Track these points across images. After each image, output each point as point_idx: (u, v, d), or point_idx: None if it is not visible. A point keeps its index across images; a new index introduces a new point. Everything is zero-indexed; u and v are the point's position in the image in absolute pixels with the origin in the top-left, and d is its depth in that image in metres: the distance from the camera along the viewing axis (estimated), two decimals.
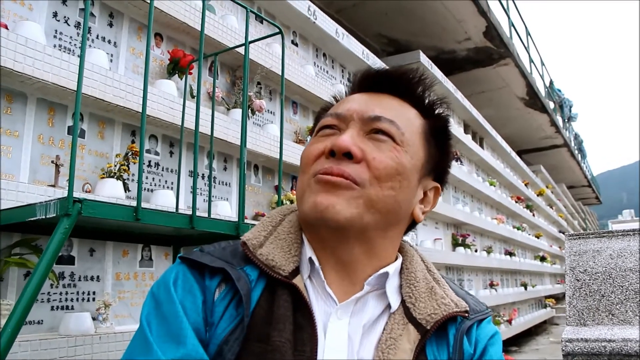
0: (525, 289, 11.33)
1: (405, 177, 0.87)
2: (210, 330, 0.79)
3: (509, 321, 9.17)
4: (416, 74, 0.96)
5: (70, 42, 2.68)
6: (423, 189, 0.94)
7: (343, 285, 0.86)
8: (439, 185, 0.97)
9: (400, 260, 0.92)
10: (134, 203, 1.65)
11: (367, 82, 0.97)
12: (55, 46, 2.58)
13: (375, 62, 5.68)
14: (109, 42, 2.91)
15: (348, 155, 0.84)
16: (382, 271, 0.86)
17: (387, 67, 0.98)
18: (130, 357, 0.77)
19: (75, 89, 1.54)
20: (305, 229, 0.90)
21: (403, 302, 0.86)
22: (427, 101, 0.96)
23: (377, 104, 0.91)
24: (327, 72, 5.11)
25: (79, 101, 1.52)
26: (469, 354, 0.85)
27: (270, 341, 0.76)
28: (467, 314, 0.86)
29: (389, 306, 0.86)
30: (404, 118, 0.91)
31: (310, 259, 0.86)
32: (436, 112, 0.97)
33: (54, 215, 1.51)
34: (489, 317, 0.92)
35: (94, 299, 2.56)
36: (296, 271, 0.84)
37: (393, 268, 0.88)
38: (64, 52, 2.46)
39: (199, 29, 1.99)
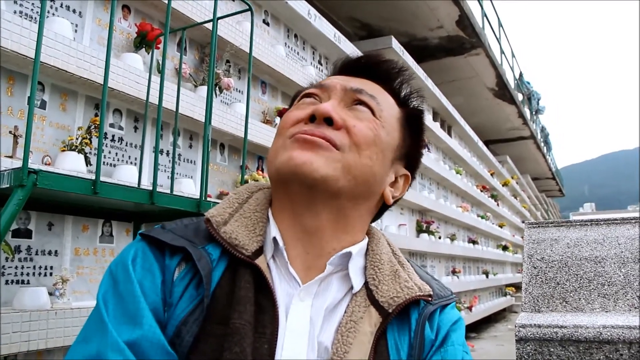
0: (487, 277, 11.55)
1: (381, 150, 0.88)
2: (168, 310, 0.77)
3: (470, 308, 9.35)
4: (396, 65, 0.97)
5: (32, 10, 2.60)
6: (395, 172, 0.94)
7: (307, 264, 0.84)
8: (409, 174, 0.98)
9: (365, 241, 0.91)
10: (94, 177, 1.61)
11: (349, 67, 0.97)
12: (15, 12, 2.49)
13: (347, 46, 5.66)
14: (74, 11, 2.83)
15: (328, 121, 0.84)
16: (345, 251, 0.85)
17: (370, 54, 0.98)
18: (84, 338, 0.75)
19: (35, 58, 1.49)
20: (276, 194, 0.88)
21: (366, 284, 0.85)
22: (404, 92, 0.98)
23: (359, 80, 0.93)
24: (297, 53, 5.07)
25: (37, 70, 1.47)
26: (430, 339, 0.84)
27: (230, 323, 0.74)
28: (430, 299, 0.86)
29: (352, 288, 0.85)
30: (384, 98, 0.93)
31: (274, 238, 0.84)
32: (410, 100, 0.98)
33: (8, 186, 1.46)
34: (453, 302, 0.92)
35: (51, 274, 2.51)
36: (260, 251, 0.81)
37: (357, 248, 0.87)
38: (25, 19, 2.39)
39: (167, 2, 1.94)
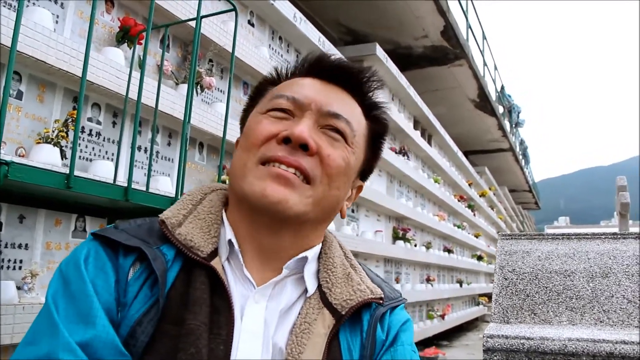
0: (461, 285, 11.64)
1: (349, 178, 0.90)
2: (122, 310, 0.76)
3: (442, 316, 9.41)
4: (366, 73, 0.96)
5: None
6: (352, 186, 0.96)
7: (262, 269, 0.85)
8: (362, 184, 1.00)
9: (319, 246, 0.92)
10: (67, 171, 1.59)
11: (319, 69, 0.95)
12: None
13: (331, 49, 5.67)
14: (56, 2, 2.79)
15: (303, 147, 0.83)
16: (301, 255, 0.87)
17: (340, 59, 0.97)
18: (33, 339, 0.73)
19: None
20: (237, 207, 0.87)
21: (319, 287, 0.86)
22: (371, 102, 0.97)
23: (335, 98, 0.91)
24: (281, 55, 5.07)
25: (13, 58, 1.45)
26: (381, 339, 0.86)
27: (185, 324, 0.74)
28: (381, 301, 0.88)
29: (305, 291, 0.86)
30: (356, 119, 0.92)
31: (229, 241, 0.84)
32: (378, 114, 0.98)
33: None
34: (402, 304, 0.94)
35: (20, 267, 2.47)
36: (215, 253, 0.82)
37: (312, 253, 0.89)
38: (4, 6, 2.35)
39: None
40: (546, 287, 1.75)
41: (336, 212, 0.92)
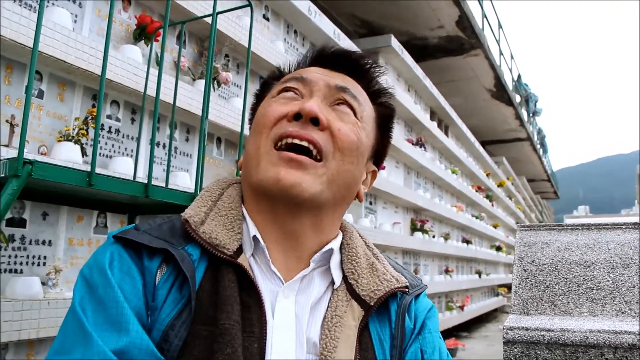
0: (480, 276, 11.59)
1: (361, 154, 0.89)
2: (152, 315, 0.75)
3: (462, 307, 9.38)
4: (370, 60, 0.97)
5: None
6: (366, 170, 0.96)
7: (287, 262, 0.85)
8: (376, 169, 1.00)
9: (340, 236, 0.92)
10: (90, 168, 1.62)
11: (324, 58, 0.96)
12: (15, 1, 2.49)
13: (346, 43, 5.66)
14: (74, 1, 2.82)
15: (314, 122, 0.84)
16: (327, 247, 0.87)
17: (343, 48, 0.98)
18: (63, 348, 0.71)
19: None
20: (254, 198, 0.87)
21: (345, 278, 0.86)
22: (376, 88, 0.98)
23: (341, 78, 0.92)
24: (296, 49, 5.07)
25: (35, 58, 1.48)
26: (410, 328, 0.86)
27: (219, 324, 0.73)
28: (407, 290, 0.88)
29: (332, 283, 0.86)
30: (364, 98, 0.93)
31: (254, 237, 0.84)
32: (384, 100, 0.99)
33: (3, 175, 1.47)
34: (424, 291, 0.94)
35: (44, 264, 2.52)
36: (240, 249, 0.81)
37: (336, 244, 0.89)
38: (25, 8, 2.38)
39: None
40: (566, 279, 1.74)
41: (352, 193, 0.91)
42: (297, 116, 0.84)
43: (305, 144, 0.82)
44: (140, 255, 0.78)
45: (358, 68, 0.96)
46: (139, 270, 0.77)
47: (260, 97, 0.98)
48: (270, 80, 0.99)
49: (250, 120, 0.99)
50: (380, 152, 0.99)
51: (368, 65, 0.97)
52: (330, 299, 0.83)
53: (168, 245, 0.78)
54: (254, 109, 0.99)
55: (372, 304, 0.83)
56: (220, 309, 0.74)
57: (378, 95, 0.98)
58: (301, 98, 0.88)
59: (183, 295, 0.76)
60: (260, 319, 0.77)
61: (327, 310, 0.82)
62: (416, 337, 0.86)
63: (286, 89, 0.90)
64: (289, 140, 0.83)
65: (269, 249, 0.84)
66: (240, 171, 0.94)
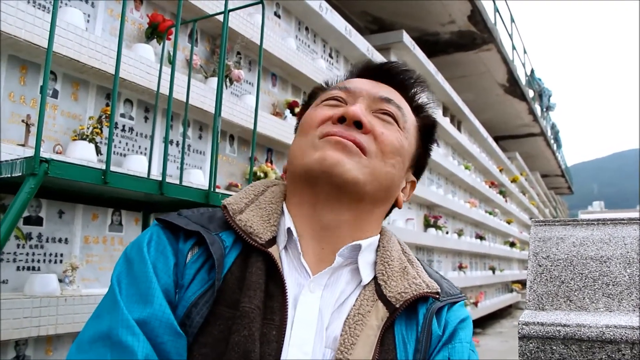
0: (494, 273, 11.53)
1: (403, 160, 0.92)
2: (180, 292, 0.79)
3: (475, 303, 9.35)
4: (414, 74, 1.01)
5: None
6: (406, 179, 0.98)
7: (320, 257, 0.86)
8: (415, 180, 1.02)
9: (377, 237, 0.93)
10: (104, 166, 1.63)
11: (370, 71, 1.00)
12: (29, 2, 2.51)
13: (358, 39, 5.65)
14: (86, 1, 2.84)
15: (357, 125, 0.87)
16: (354, 243, 0.87)
17: (391, 62, 1.02)
18: (97, 315, 0.78)
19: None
20: (296, 190, 0.90)
21: (375, 279, 0.87)
22: (420, 101, 1.01)
23: (385, 88, 0.96)
24: (308, 46, 5.07)
25: (49, 59, 1.49)
26: (437, 335, 0.85)
27: (240, 307, 0.76)
28: (438, 296, 0.87)
29: (361, 281, 0.87)
30: (407, 109, 0.96)
31: (288, 229, 0.86)
32: (426, 114, 1.02)
33: (20, 174, 1.48)
34: (462, 301, 0.93)
35: (61, 261, 2.54)
36: (273, 241, 0.84)
37: (367, 242, 0.89)
38: (38, 8, 2.40)
39: None
40: (582, 274, 1.73)
41: (392, 196, 0.93)
42: (341, 119, 0.87)
43: (348, 142, 0.85)
44: (177, 237, 0.84)
45: (403, 81, 0.99)
46: (173, 251, 0.82)
47: (306, 106, 1.02)
48: (317, 91, 1.03)
49: (296, 129, 1.02)
50: (420, 163, 1.01)
51: (412, 79, 1.00)
52: (357, 297, 0.84)
53: (202, 229, 0.83)
54: (300, 116, 1.02)
55: (397, 305, 0.82)
56: (244, 293, 0.77)
57: (421, 109, 1.01)
58: (345, 104, 0.92)
59: (211, 277, 0.79)
60: (282, 309, 0.78)
61: (352, 308, 0.82)
62: (445, 344, 0.85)
63: (331, 98, 0.94)
64: (334, 138, 0.86)
65: (302, 242, 0.86)
66: (285, 167, 0.98)
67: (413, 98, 1.00)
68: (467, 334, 0.89)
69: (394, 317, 0.82)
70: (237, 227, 0.84)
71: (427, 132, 1.01)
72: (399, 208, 0.98)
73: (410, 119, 0.96)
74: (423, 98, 1.02)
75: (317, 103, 0.96)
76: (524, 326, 1.52)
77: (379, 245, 0.92)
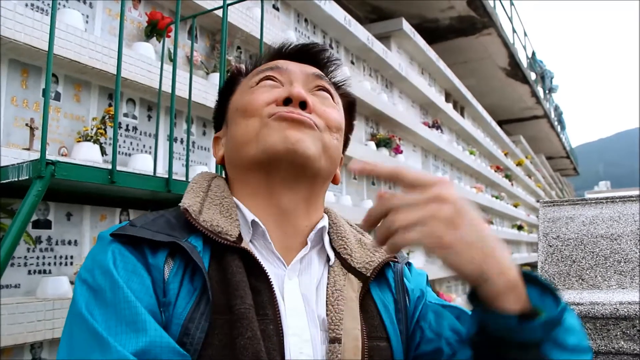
0: None
1: (341, 136, 0.94)
2: (166, 311, 0.72)
3: None
4: (329, 52, 1.02)
5: (43, 2, 2.61)
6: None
7: (284, 244, 0.86)
8: (343, 156, 1.02)
9: (326, 217, 0.94)
10: (110, 167, 1.63)
11: (288, 53, 0.99)
12: (27, 5, 2.51)
13: (357, 29, 5.63)
14: (84, 2, 2.84)
15: (302, 105, 0.87)
16: (319, 226, 0.89)
17: (305, 42, 1.02)
18: (79, 357, 0.66)
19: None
20: (247, 180, 0.89)
21: (338, 254, 0.88)
22: (338, 78, 1.02)
23: (313, 67, 0.97)
24: (308, 37, 5.05)
25: (51, 62, 1.49)
26: (411, 290, 0.90)
27: (234, 310, 0.72)
28: (397, 259, 0.92)
29: (327, 261, 0.88)
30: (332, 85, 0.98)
31: (253, 222, 0.84)
32: (344, 90, 1.03)
33: (27, 177, 1.49)
34: (409, 260, 0.99)
35: (71, 263, 2.56)
36: (240, 237, 0.81)
37: (325, 223, 0.91)
38: (37, 11, 2.40)
39: None
40: (593, 252, 1.72)
41: (334, 170, 0.94)
42: (286, 101, 0.87)
43: (303, 118, 0.86)
44: (142, 252, 0.76)
45: (319, 60, 0.99)
46: (144, 268, 0.74)
47: (227, 93, 0.99)
48: (236, 76, 1.01)
49: (217, 120, 1.02)
50: (347, 139, 1.02)
51: (328, 57, 1.01)
52: (328, 276, 0.85)
53: (173, 239, 0.77)
54: (221, 103, 1.01)
55: (369, 274, 0.85)
56: (233, 294, 0.74)
57: (340, 87, 1.02)
58: (282, 86, 0.91)
59: (196, 287, 0.74)
60: (271, 302, 0.77)
61: (327, 287, 0.83)
62: (418, 299, 0.90)
63: (266, 78, 0.92)
64: (290, 115, 0.85)
65: (267, 231, 0.85)
66: (221, 159, 0.96)
67: (331, 75, 1.01)
68: (429, 287, 0.96)
69: (367, 286, 0.85)
70: (203, 229, 0.79)
71: (350, 108, 1.02)
72: (337, 184, 0.99)
73: (336, 95, 0.97)
74: (339, 76, 1.02)
75: (251, 85, 0.93)
76: None
77: (329, 224, 0.93)
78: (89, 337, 0.66)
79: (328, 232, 0.91)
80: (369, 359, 0.78)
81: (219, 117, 1.02)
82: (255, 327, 0.72)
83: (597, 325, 1.35)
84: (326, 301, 0.81)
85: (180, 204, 0.84)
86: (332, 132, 0.90)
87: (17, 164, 1.55)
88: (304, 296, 0.81)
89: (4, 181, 1.60)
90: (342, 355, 0.76)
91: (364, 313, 0.82)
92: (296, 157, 0.83)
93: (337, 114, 0.93)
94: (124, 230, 0.77)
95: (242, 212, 0.86)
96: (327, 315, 0.80)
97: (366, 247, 0.90)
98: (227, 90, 1.00)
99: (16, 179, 1.55)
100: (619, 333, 1.31)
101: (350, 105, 1.03)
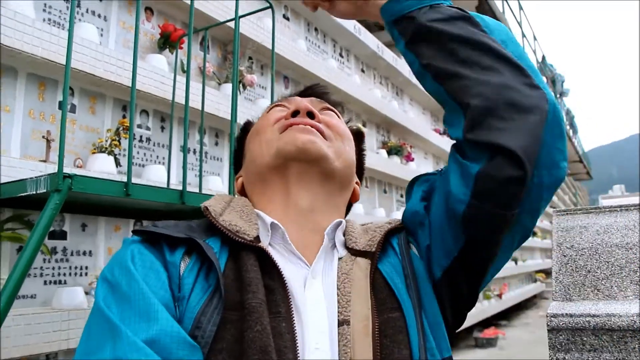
0: (516, 263, 11.44)
1: (351, 145, 0.99)
2: (181, 305, 0.75)
3: (500, 295, 9.29)
4: (329, 91, 1.09)
5: (59, 16, 2.65)
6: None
7: (303, 243, 0.87)
8: (359, 182, 1.06)
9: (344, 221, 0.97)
10: (124, 178, 1.65)
11: (291, 94, 1.07)
12: (44, 20, 2.55)
13: (367, 37, 5.64)
14: (99, 16, 2.88)
15: (310, 116, 0.92)
16: (336, 221, 0.91)
17: (312, 84, 1.10)
18: (92, 347, 0.69)
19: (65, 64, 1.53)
20: (269, 178, 0.92)
21: (347, 247, 0.89)
22: (345, 118, 1.08)
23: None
24: (318, 46, 5.08)
25: (68, 76, 1.51)
26: (416, 255, 0.89)
27: (246, 304, 0.74)
28: (402, 225, 0.93)
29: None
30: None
31: (272, 223, 0.86)
32: (350, 124, 1.08)
33: (45, 190, 1.51)
34: None
35: (86, 274, 2.58)
36: (258, 239, 0.83)
37: (343, 221, 0.93)
38: (54, 26, 2.44)
39: (189, 3, 1.97)
40: (608, 262, 1.71)
41: (352, 180, 0.99)
42: (294, 113, 0.93)
43: (311, 128, 0.90)
44: (161, 250, 0.79)
45: (327, 100, 1.05)
46: (161, 264, 0.77)
47: (243, 137, 1.07)
48: (249, 123, 1.09)
49: (236, 161, 1.08)
50: (360, 167, 1.06)
51: (335, 100, 1.07)
52: (338, 267, 0.86)
53: (191, 236, 0.80)
54: (240, 148, 1.07)
55: (373, 249, 0.86)
56: (246, 290, 0.75)
57: (347, 123, 1.07)
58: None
59: (210, 284, 0.76)
60: (285, 300, 0.77)
61: (337, 275, 0.84)
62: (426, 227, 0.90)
63: (276, 105, 1.00)
64: (298, 127, 0.90)
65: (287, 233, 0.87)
66: (240, 188, 1.02)
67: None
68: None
69: (375, 262, 0.85)
70: (222, 227, 0.82)
71: (360, 139, 1.07)
72: (356, 201, 1.03)
73: (341, 116, 1.03)
74: (346, 115, 1.10)
75: (263, 114, 1.01)
76: (552, 318, 1.52)
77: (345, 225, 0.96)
78: (104, 326, 0.69)
79: (343, 233, 0.93)
80: (381, 334, 0.77)
81: (238, 160, 1.07)
82: (266, 322, 0.73)
83: (614, 337, 1.34)
84: (337, 287, 0.82)
85: (201, 204, 0.88)
86: (343, 140, 0.94)
87: (35, 177, 1.57)
88: (326, 293, 0.82)
89: (23, 194, 1.62)
90: (351, 336, 0.76)
91: (374, 289, 0.82)
92: (308, 155, 0.88)
93: (344, 125, 0.98)
94: (147, 228, 0.81)
95: (262, 217, 0.88)
96: (337, 301, 0.80)
97: (369, 230, 0.91)
98: (241, 135, 1.07)
99: (34, 192, 1.57)
100: (637, 345, 1.30)
101: (357, 135, 1.06)
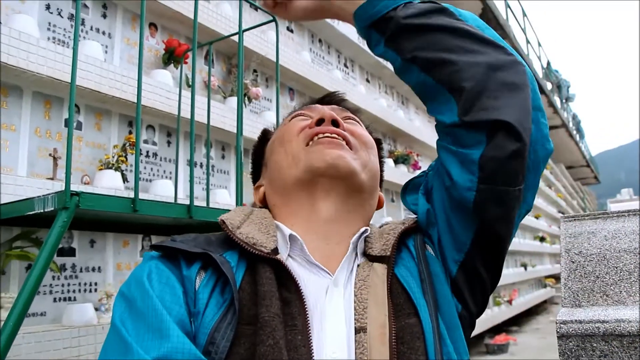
0: (525, 269, 11.39)
1: (375, 153, 0.98)
2: (195, 320, 0.75)
3: (510, 301, 9.24)
4: (351, 103, 1.08)
5: (64, 35, 2.67)
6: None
7: (325, 254, 0.87)
8: (382, 194, 1.05)
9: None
10: (132, 194, 1.66)
11: (318, 102, 1.06)
12: (49, 39, 2.57)
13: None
14: (103, 33, 2.90)
15: (334, 124, 0.91)
16: (362, 229, 0.90)
17: (330, 92, 1.09)
18: None
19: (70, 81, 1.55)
20: (295, 192, 0.91)
21: (364, 254, 0.89)
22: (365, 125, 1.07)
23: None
24: (323, 57, 5.09)
25: (74, 93, 1.53)
26: (432, 256, 0.88)
27: (259, 318, 0.73)
28: (416, 224, 0.91)
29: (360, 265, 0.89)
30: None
31: (290, 235, 0.86)
32: (370, 131, 1.06)
33: (53, 208, 1.52)
34: None
35: (95, 290, 2.58)
36: (276, 251, 0.83)
37: (366, 229, 0.92)
38: (58, 44, 2.46)
39: (193, 18, 1.98)
40: (616, 267, 1.70)
41: (377, 189, 0.98)
42: (319, 122, 0.92)
43: (338, 140, 0.90)
44: (178, 264, 0.80)
45: (346, 107, 1.05)
46: (178, 279, 0.78)
47: (260, 146, 1.07)
48: (267, 132, 1.09)
49: (254, 172, 1.08)
50: (381, 177, 1.05)
51: (352, 107, 1.06)
52: (356, 275, 0.85)
53: (206, 251, 0.80)
54: (258, 158, 1.07)
55: (388, 253, 0.85)
56: (260, 304, 0.75)
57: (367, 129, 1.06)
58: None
59: (225, 298, 0.76)
60: (302, 312, 0.77)
61: (355, 283, 0.83)
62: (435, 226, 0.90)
63: (298, 115, 0.99)
64: (321, 136, 0.90)
65: (306, 244, 0.86)
66: (262, 197, 0.99)
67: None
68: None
69: (392, 267, 0.84)
70: (239, 240, 0.82)
71: (380, 148, 1.06)
72: (380, 208, 1.01)
73: (362, 124, 1.02)
74: (365, 123, 1.09)
75: (284, 123, 1.00)
76: (562, 325, 1.51)
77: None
78: (118, 343, 0.70)
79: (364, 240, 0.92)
80: (399, 341, 0.77)
81: (256, 168, 1.07)
82: (279, 336, 0.72)
83: (624, 343, 1.33)
84: (354, 295, 0.81)
85: (219, 217, 0.87)
86: (368, 149, 0.94)
87: (43, 195, 1.58)
88: (345, 301, 0.81)
89: (31, 212, 1.63)
90: (368, 343, 0.76)
91: (391, 295, 0.81)
92: (338, 171, 0.87)
93: (367, 134, 0.97)
94: (164, 243, 0.81)
95: (281, 229, 0.88)
96: (354, 308, 0.80)
97: (384, 233, 0.90)
98: (260, 144, 1.07)
99: (42, 211, 1.58)
100: None
101: (377, 143, 1.05)
